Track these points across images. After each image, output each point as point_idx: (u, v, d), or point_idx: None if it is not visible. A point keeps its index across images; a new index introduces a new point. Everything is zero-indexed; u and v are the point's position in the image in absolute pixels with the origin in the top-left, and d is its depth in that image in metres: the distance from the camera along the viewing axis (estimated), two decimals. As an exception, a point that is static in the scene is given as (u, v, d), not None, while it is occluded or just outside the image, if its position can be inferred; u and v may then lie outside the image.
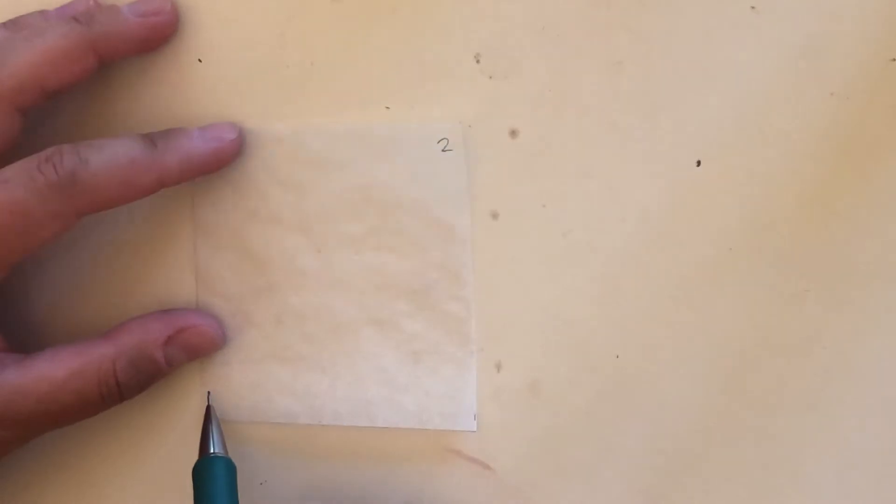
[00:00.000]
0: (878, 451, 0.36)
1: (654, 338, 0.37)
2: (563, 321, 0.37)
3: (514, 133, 0.37)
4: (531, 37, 0.36)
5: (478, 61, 0.37)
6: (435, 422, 0.38)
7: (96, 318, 0.40)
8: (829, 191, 0.35)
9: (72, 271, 0.41)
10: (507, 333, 0.38)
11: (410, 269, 0.38)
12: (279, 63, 0.38)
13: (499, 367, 0.38)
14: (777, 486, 0.36)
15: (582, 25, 0.36)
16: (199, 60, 0.39)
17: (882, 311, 0.35)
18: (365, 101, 0.38)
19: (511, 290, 0.38)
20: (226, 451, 0.37)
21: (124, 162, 0.35)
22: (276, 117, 0.38)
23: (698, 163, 0.36)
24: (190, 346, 0.38)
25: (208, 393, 0.39)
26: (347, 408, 0.39)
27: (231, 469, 0.36)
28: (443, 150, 0.37)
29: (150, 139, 0.36)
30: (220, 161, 0.38)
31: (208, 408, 0.38)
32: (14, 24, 0.38)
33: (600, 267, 0.37)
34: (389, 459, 0.39)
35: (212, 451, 0.36)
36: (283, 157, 0.38)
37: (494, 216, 0.37)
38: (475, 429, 0.38)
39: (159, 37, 0.38)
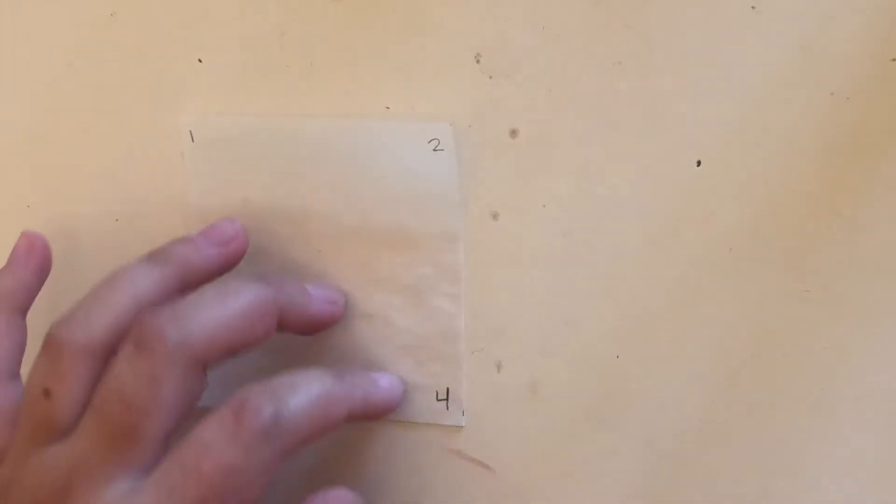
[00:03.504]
0: (878, 451, 0.36)
1: (654, 338, 0.37)
2: (563, 321, 0.37)
3: (514, 133, 0.37)
4: (531, 37, 0.36)
5: (478, 61, 0.37)
6: (424, 416, 0.38)
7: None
8: (828, 191, 0.35)
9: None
10: (507, 333, 0.38)
11: (402, 265, 0.38)
12: (279, 63, 0.38)
13: (499, 367, 0.38)
14: (777, 486, 0.36)
15: (582, 25, 0.36)
16: (200, 60, 0.39)
17: (882, 311, 0.35)
18: (365, 101, 0.38)
19: (511, 291, 0.38)
20: None
21: (321, 399, 0.35)
22: (275, 117, 0.38)
23: (698, 163, 0.36)
24: None
25: None
26: None
27: None
28: (434, 150, 0.37)
29: (338, 374, 0.36)
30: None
31: None
32: (164, 258, 0.36)
33: (600, 267, 0.37)
34: (389, 459, 0.39)
35: None
36: (277, 147, 0.38)
37: (494, 216, 0.37)
38: (464, 424, 0.38)
39: (331, 321, 0.38)
